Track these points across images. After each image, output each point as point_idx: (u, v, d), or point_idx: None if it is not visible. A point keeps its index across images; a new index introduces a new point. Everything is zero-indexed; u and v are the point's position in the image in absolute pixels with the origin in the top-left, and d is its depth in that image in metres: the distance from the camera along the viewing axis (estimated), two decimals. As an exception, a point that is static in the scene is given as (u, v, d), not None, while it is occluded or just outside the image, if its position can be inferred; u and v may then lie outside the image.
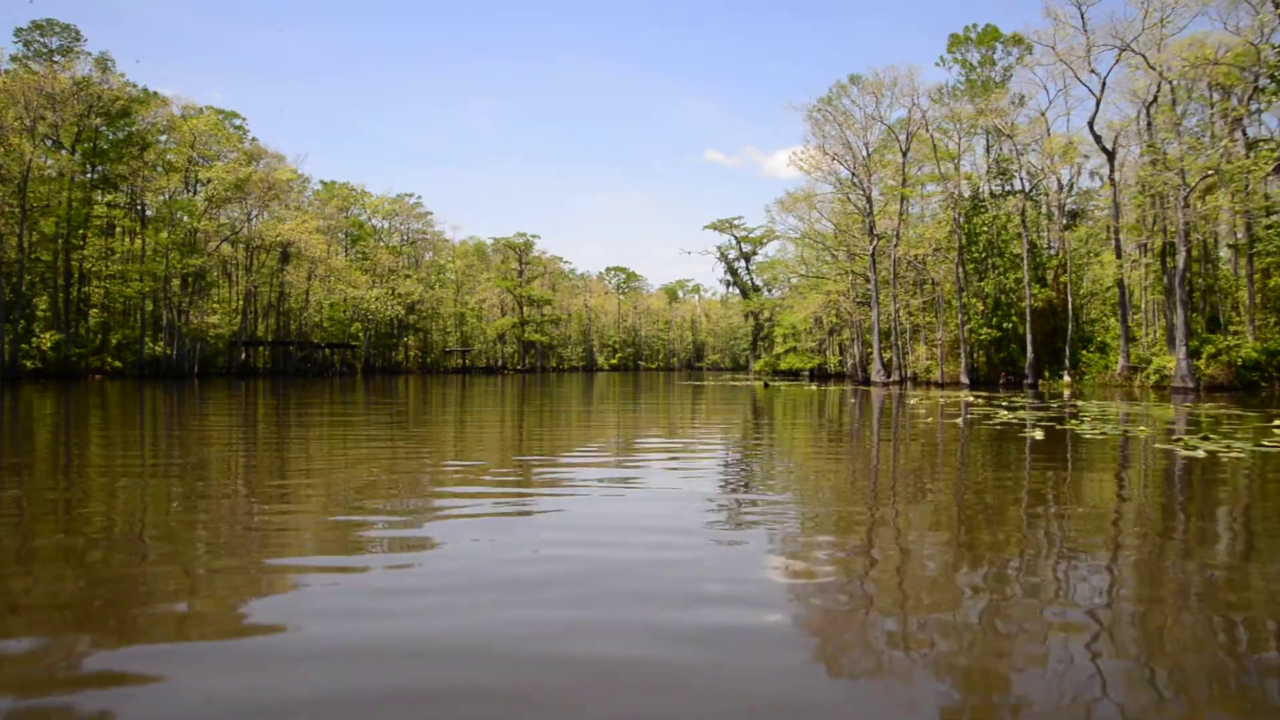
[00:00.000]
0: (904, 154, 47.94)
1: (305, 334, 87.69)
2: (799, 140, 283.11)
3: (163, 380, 53.98)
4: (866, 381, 47.80)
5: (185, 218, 56.56)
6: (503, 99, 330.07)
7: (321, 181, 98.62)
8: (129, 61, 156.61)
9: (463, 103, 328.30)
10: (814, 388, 39.00)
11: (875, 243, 44.49)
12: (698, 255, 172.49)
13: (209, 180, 59.02)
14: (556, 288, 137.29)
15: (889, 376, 44.89)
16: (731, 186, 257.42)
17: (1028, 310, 41.06)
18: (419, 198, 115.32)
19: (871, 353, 49.00)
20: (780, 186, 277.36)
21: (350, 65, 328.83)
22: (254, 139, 79.13)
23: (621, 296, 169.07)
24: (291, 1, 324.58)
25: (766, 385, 40.07)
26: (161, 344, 64.62)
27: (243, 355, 78.14)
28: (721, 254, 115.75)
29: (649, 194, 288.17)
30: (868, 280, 50.77)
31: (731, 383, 52.34)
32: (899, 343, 47.79)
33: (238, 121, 79.94)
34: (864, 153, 48.47)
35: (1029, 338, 41.20)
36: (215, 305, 79.86)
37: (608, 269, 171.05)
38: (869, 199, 45.46)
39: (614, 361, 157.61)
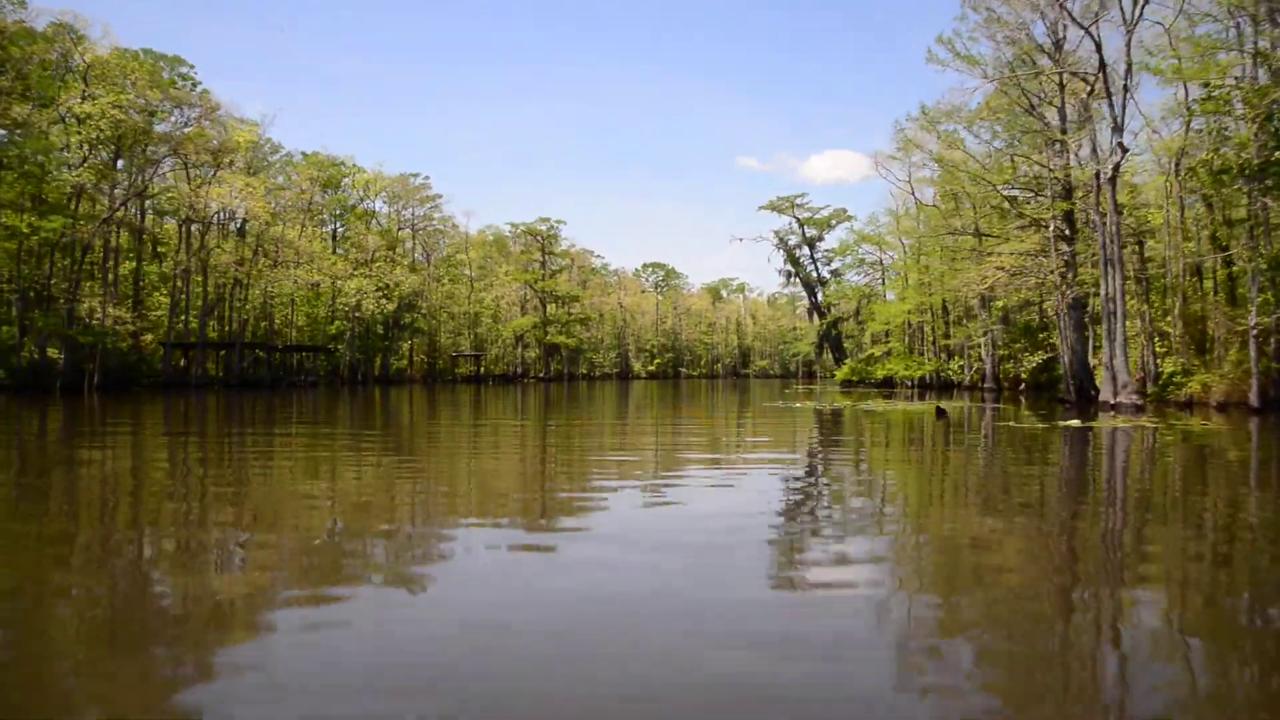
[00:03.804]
0: (1130, 28, 29.00)
1: (270, 335, 70.88)
2: (836, 144, 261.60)
3: (34, 395, 37.19)
4: (1087, 402, 28.48)
5: (41, 160, 39.30)
6: (528, 103, 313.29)
7: (303, 154, 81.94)
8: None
9: (486, 106, 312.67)
10: (1042, 424, 19.49)
11: (1118, 156, 25.10)
12: (745, 249, 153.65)
13: (86, 117, 41.96)
14: (586, 284, 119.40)
15: (1136, 396, 25.66)
16: (766, 193, 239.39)
17: None
18: (426, 177, 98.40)
19: (1106, 354, 29.79)
20: (819, 192, 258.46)
21: (379, 62, 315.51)
22: (205, 90, 62.90)
23: (660, 296, 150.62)
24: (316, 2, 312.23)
25: (942, 413, 21.52)
26: (54, 348, 48.08)
27: (182, 361, 61.50)
28: (780, 240, 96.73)
29: (680, 201, 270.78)
30: (1062, 236, 31.77)
31: (813, 402, 33.84)
32: (1124, 338, 28.60)
33: (184, 69, 64.14)
34: (1061, 27, 29.62)
35: None
36: (162, 299, 63.61)
37: (644, 265, 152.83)
38: (1105, 78, 26.21)
39: (651, 368, 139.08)
